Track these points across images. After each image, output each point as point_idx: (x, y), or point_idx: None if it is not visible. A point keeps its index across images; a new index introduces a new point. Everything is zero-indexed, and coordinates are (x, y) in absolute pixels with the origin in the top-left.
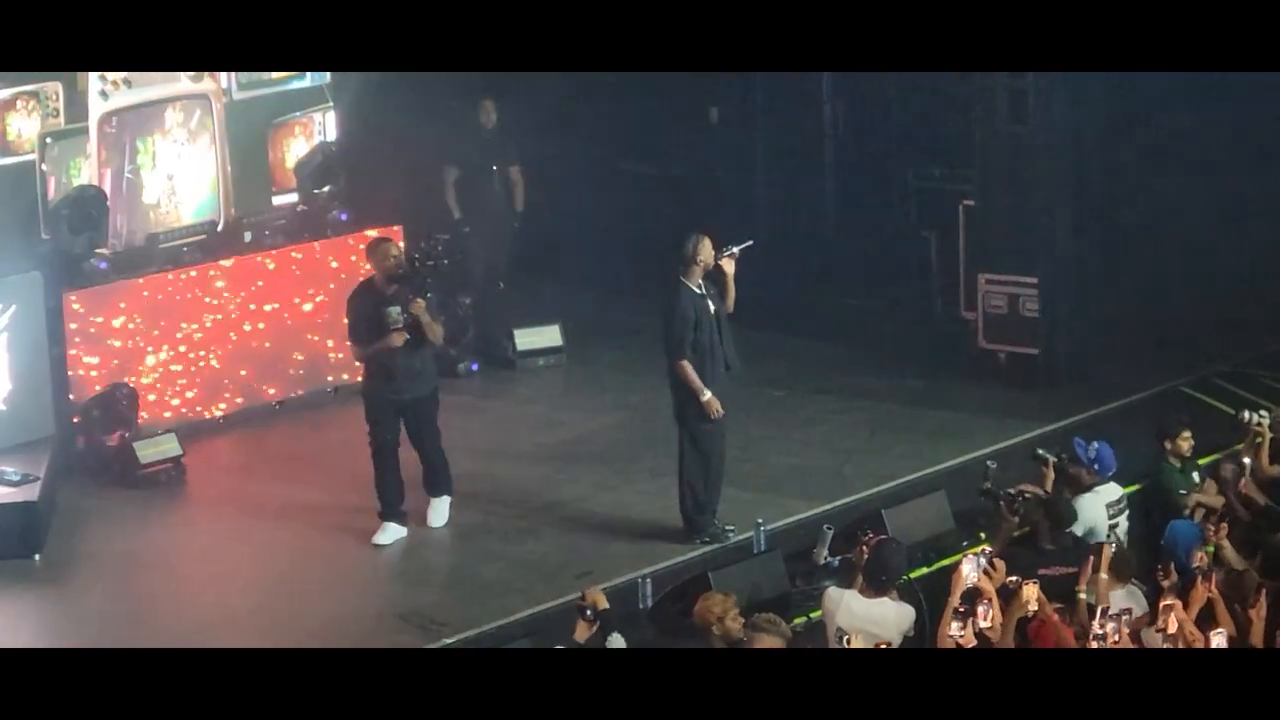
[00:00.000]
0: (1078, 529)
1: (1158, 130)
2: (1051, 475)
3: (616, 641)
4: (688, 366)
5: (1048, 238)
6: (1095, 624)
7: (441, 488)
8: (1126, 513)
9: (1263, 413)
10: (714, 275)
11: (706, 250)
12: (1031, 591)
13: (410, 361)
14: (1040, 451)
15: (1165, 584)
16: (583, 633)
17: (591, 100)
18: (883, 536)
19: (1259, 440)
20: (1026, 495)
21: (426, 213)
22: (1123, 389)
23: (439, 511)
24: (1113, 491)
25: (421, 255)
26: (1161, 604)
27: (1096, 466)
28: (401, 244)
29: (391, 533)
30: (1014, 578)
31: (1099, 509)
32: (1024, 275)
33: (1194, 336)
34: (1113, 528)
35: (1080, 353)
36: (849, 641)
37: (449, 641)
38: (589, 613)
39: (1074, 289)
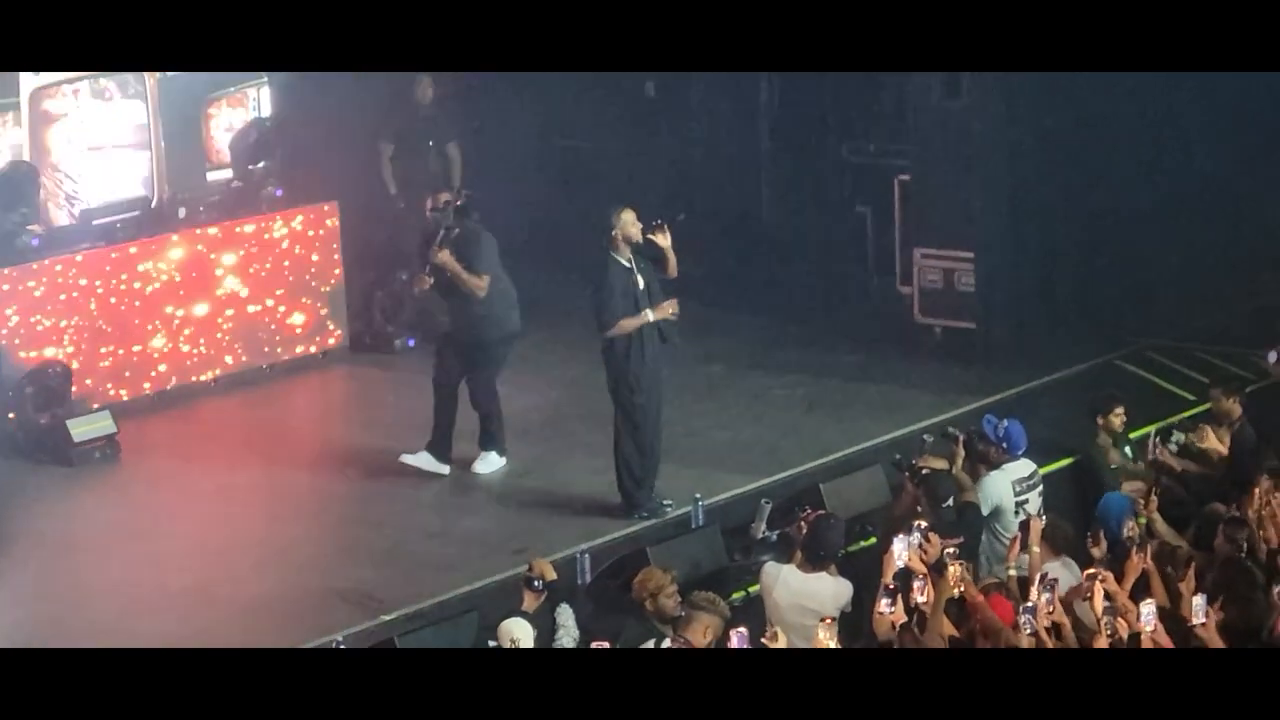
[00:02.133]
0: (984, 507)
1: (1094, 103)
2: (961, 453)
3: (564, 612)
4: (620, 325)
5: (983, 212)
6: (1034, 592)
7: (486, 441)
8: (1039, 489)
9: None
10: (650, 250)
11: (626, 223)
12: (955, 572)
13: (456, 305)
14: (951, 430)
15: (1095, 553)
16: (530, 603)
17: (526, 74)
18: (820, 512)
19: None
20: (924, 470)
21: (363, 189)
22: (1058, 362)
23: (484, 461)
24: (1023, 468)
25: (436, 208)
26: (1085, 574)
27: (1005, 444)
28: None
29: (424, 462)
30: (951, 549)
31: (1004, 487)
32: (959, 250)
33: (1130, 310)
34: (1022, 504)
35: (1016, 326)
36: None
37: (387, 618)
38: (536, 584)
39: (1010, 263)
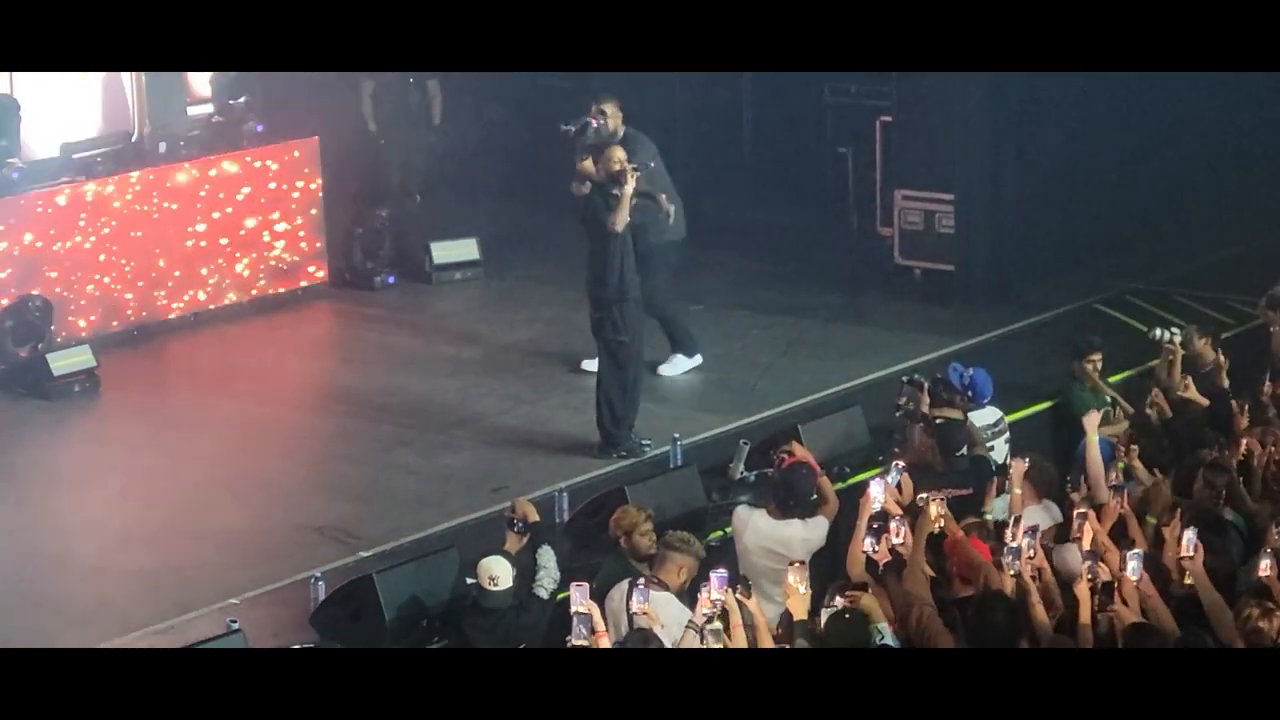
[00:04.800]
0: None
1: None
2: (926, 400)
3: (546, 554)
4: (615, 220)
5: (964, 154)
6: (1009, 535)
7: (673, 344)
8: (1005, 436)
9: (1174, 330)
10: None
11: (608, 158)
12: (936, 509)
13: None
14: (916, 377)
15: (1076, 496)
16: (513, 545)
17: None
18: (793, 460)
19: (1171, 358)
20: (938, 419)
21: (343, 125)
22: (1038, 305)
23: (670, 364)
24: (988, 416)
25: (572, 124)
26: (1074, 513)
27: (970, 393)
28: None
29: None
30: (923, 495)
31: None
32: (940, 191)
33: (1110, 253)
34: (988, 451)
35: (996, 269)
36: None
37: (365, 555)
38: (518, 525)
39: (990, 205)
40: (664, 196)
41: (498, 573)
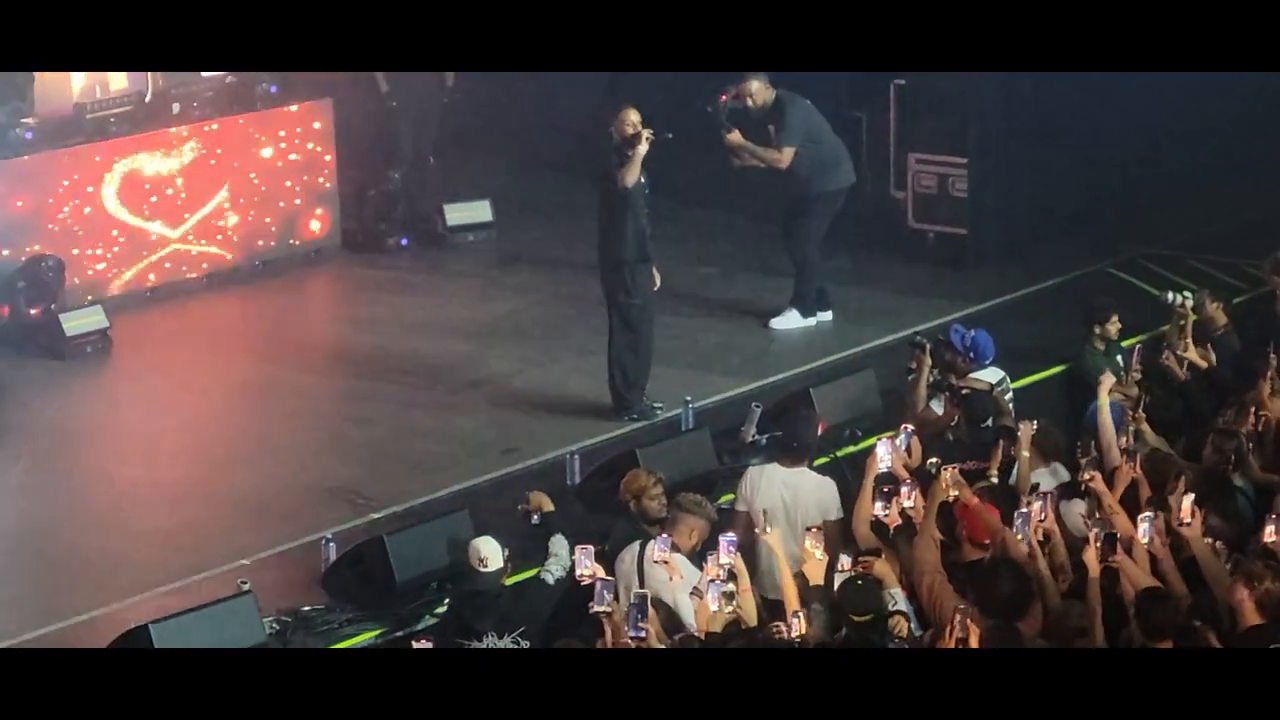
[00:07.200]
0: None
1: None
2: (928, 361)
3: (558, 542)
4: (627, 173)
5: (978, 118)
6: (1023, 502)
7: (792, 297)
8: (1009, 396)
9: (1186, 294)
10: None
11: (622, 120)
12: (949, 475)
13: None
14: (918, 338)
15: (1084, 460)
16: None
17: None
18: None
19: (1182, 322)
20: (964, 390)
21: (355, 86)
22: (1051, 270)
23: (783, 318)
24: (990, 376)
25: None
26: (1084, 476)
27: (972, 354)
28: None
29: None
30: (934, 460)
31: None
32: (953, 155)
33: (1124, 218)
34: (1013, 421)
35: (1009, 233)
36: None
37: (376, 516)
38: (534, 517)
39: (1003, 169)
40: (781, 152)
41: (486, 554)
